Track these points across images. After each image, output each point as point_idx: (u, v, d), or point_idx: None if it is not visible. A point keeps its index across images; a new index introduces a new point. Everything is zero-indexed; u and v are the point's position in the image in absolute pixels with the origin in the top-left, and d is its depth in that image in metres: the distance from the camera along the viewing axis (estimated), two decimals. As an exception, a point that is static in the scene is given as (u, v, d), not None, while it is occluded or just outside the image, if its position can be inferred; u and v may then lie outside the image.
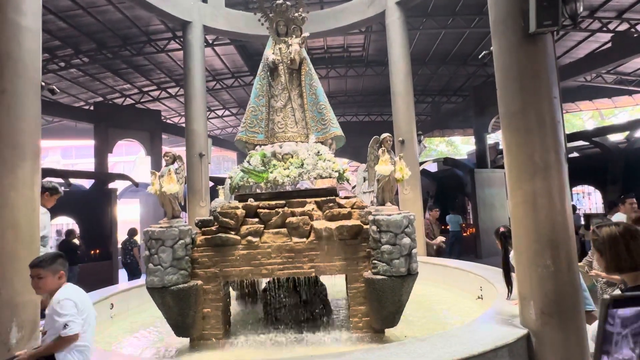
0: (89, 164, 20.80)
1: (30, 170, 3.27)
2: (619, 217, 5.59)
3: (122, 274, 11.47)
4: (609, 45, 11.63)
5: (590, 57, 12.81)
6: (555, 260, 2.82)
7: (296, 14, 5.49)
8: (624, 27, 11.41)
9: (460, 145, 33.70)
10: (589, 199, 18.81)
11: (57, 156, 34.87)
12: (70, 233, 9.57)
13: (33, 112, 3.45)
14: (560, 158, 2.90)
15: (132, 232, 10.36)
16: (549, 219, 2.85)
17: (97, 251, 11.43)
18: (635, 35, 11.06)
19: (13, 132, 3.23)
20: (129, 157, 34.42)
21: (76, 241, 9.97)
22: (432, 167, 19.81)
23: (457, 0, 10.66)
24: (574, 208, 10.34)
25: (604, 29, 11.42)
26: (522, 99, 2.98)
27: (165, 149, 19.13)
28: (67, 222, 15.56)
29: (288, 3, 5.48)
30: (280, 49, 5.49)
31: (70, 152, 35.70)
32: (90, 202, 11.57)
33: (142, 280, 5.83)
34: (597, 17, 11.00)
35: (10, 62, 3.18)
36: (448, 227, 12.21)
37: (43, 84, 3.62)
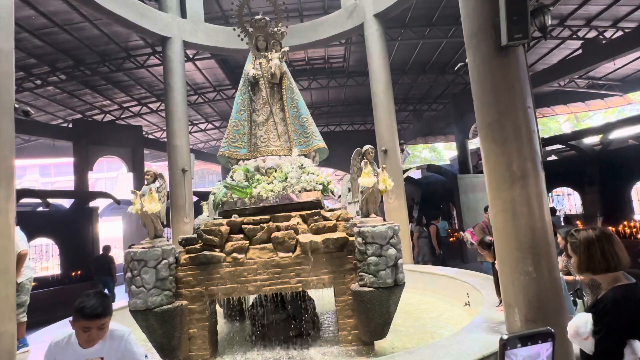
0: (68, 182, 20.33)
1: (4, 197, 3.18)
2: None
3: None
4: (580, 51, 12.08)
5: (562, 64, 13.27)
6: (536, 266, 2.87)
7: (275, 29, 5.53)
8: (593, 34, 11.88)
9: (443, 151, 34.24)
10: (568, 200, 19.31)
11: (35, 175, 33.95)
12: (107, 248, 10.31)
13: (6, 136, 3.36)
14: (537, 167, 2.97)
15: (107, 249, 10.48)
16: (529, 226, 2.91)
17: (78, 272, 11.11)
18: (603, 42, 11.52)
19: (-16, 157, 3.15)
20: (110, 174, 33.78)
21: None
22: (416, 174, 20.06)
23: (433, 12, 10.94)
24: (554, 210, 10.61)
25: (574, 36, 11.88)
26: (497, 109, 3.06)
27: (147, 164, 18.87)
28: (46, 243, 15.11)
29: (267, 18, 5.51)
30: (260, 63, 5.50)
31: (48, 170, 34.83)
32: (70, 222, 11.28)
33: (124, 302, 5.67)
34: (567, 25, 11.44)
35: (-19, 86, 3.10)
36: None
37: (16, 105, 3.53)
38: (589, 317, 1.80)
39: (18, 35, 3.62)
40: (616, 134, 11.92)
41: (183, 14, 9.79)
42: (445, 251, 11.68)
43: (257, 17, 5.52)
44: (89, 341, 2.05)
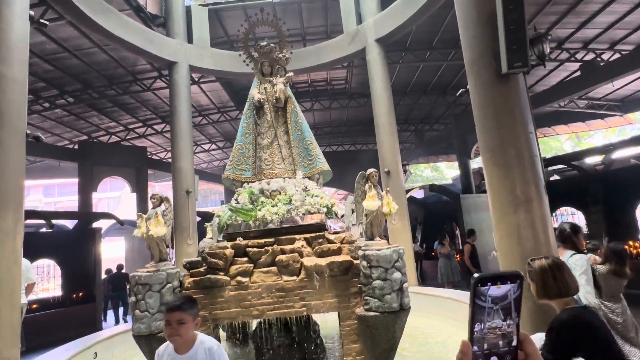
0: (72, 202, 20.40)
1: (13, 221, 3.21)
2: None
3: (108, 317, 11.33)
4: (578, 73, 12.26)
5: (561, 85, 13.45)
6: (543, 291, 2.85)
7: (280, 55, 5.67)
8: (590, 56, 12.09)
9: (445, 170, 34.30)
10: (573, 219, 19.17)
11: (39, 195, 34.12)
12: (121, 267, 11.75)
13: (17, 161, 3.43)
14: (541, 190, 3.00)
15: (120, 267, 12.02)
16: (534, 250, 2.91)
17: (80, 294, 11.01)
18: (601, 64, 11.71)
19: (-4, 182, 3.20)
20: (113, 193, 33.90)
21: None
22: (419, 194, 20.04)
23: (433, 36, 11.19)
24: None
25: (572, 58, 12.09)
26: (499, 134, 3.12)
27: (151, 184, 18.95)
28: (47, 264, 15.05)
29: (272, 45, 5.67)
30: (265, 88, 5.62)
31: (52, 190, 35.01)
32: (73, 243, 11.25)
33: (126, 325, 5.62)
34: (565, 48, 11.67)
35: (-4, 114, 3.19)
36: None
37: (28, 132, 3.62)
38: (543, 334, 2.03)
39: (29, 60, 3.74)
40: (618, 154, 11.96)
41: (190, 40, 10.07)
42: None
43: (262, 43, 5.68)
44: (171, 336, 2.16)
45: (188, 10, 10.23)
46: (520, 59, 2.95)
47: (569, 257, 3.40)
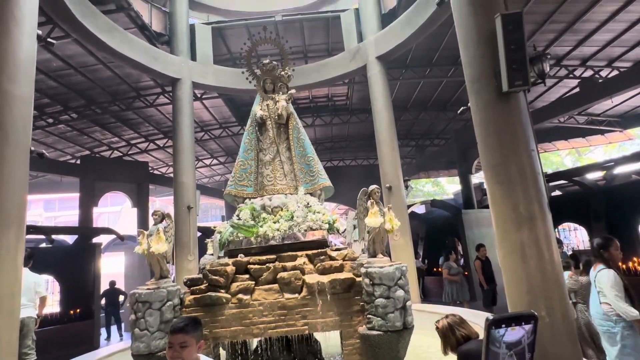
0: (72, 216, 20.35)
1: (15, 238, 3.20)
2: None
3: (104, 334, 11.18)
4: (578, 89, 12.37)
5: (561, 101, 13.55)
6: (549, 311, 2.82)
7: (282, 72, 5.75)
8: (589, 73, 12.22)
9: (446, 185, 34.28)
10: (575, 235, 19.03)
11: (39, 209, 34.10)
12: (114, 283, 11.93)
13: (20, 178, 3.44)
14: (544, 208, 2.99)
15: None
16: (539, 269, 2.89)
17: (78, 310, 10.87)
18: (600, 81, 11.83)
19: (-1, 199, 3.20)
20: (113, 208, 33.87)
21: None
22: (420, 209, 19.97)
23: (433, 53, 11.35)
24: (559, 242, 10.29)
25: (571, 75, 12.22)
26: (501, 152, 3.13)
27: (152, 199, 18.92)
28: (46, 279, 14.91)
29: (274, 63, 5.75)
30: (267, 105, 5.68)
31: (53, 205, 35.01)
32: (72, 259, 11.18)
33: (124, 344, 5.52)
34: (564, 65, 11.80)
35: (1, 132, 3.21)
36: (440, 269, 12.09)
37: (32, 149, 3.64)
38: None
39: (35, 77, 3.82)
40: (619, 169, 11.95)
41: (193, 57, 10.22)
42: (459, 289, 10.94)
43: (265, 61, 5.76)
44: (173, 359, 2.10)
45: (192, 29, 10.43)
46: (521, 77, 2.98)
47: (597, 272, 3.34)
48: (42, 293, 5.23)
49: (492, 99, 3.17)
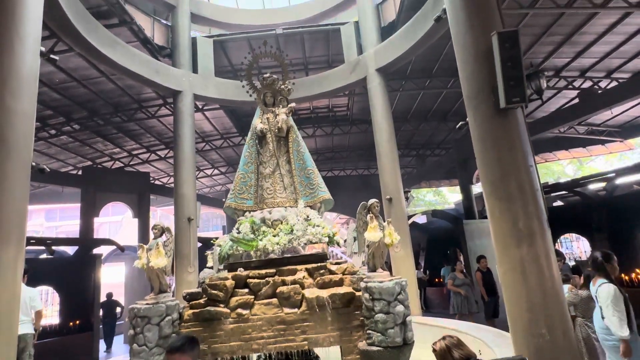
0: (73, 226, 20.34)
1: (14, 254, 3.20)
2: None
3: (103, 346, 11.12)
4: (577, 100, 12.42)
5: (561, 112, 13.58)
6: (550, 328, 2.79)
7: (282, 86, 5.80)
8: (588, 84, 12.28)
9: (447, 194, 34.22)
10: (578, 246, 18.95)
11: (41, 219, 34.13)
12: (110, 295, 12.17)
13: (21, 193, 3.45)
14: (543, 224, 2.99)
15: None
16: (539, 285, 2.87)
17: (77, 322, 10.80)
18: (599, 92, 11.88)
19: (-2, 215, 3.21)
20: (114, 218, 33.87)
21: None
22: (421, 219, 19.91)
23: (432, 64, 11.43)
24: (561, 254, 10.12)
25: (570, 86, 12.28)
26: (500, 168, 3.14)
27: (153, 209, 18.91)
28: (46, 291, 14.87)
29: (274, 76, 5.80)
30: (268, 118, 5.71)
31: (54, 214, 35.03)
32: (72, 270, 11.14)
33: (122, 358, 5.48)
34: (562, 76, 11.87)
35: (3, 147, 3.24)
36: (442, 280, 12.03)
37: (33, 163, 3.67)
38: None
39: (38, 89, 3.86)
40: (621, 180, 11.92)
41: (195, 69, 10.32)
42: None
43: (265, 75, 5.82)
44: None
45: (194, 42, 10.56)
46: (518, 94, 3.01)
47: (598, 287, 3.31)
48: (37, 307, 5.26)
49: (489, 115, 3.19)
